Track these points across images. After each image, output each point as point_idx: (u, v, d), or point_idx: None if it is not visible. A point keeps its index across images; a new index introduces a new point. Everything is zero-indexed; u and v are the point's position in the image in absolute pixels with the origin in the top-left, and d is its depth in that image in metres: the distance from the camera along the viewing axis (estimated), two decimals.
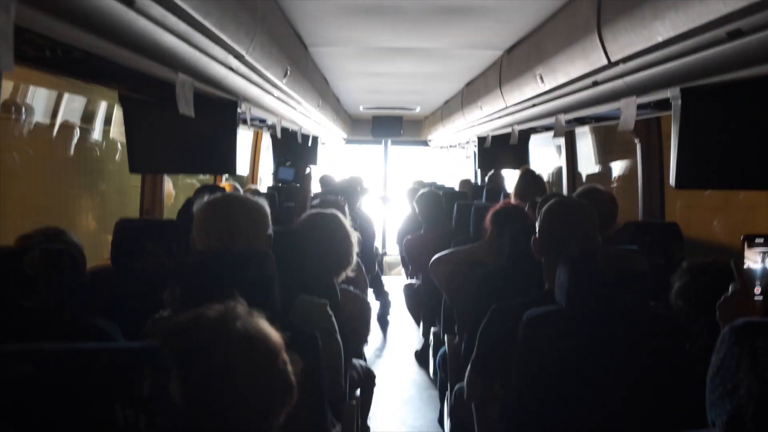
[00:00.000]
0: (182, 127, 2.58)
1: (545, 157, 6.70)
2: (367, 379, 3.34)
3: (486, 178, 7.08)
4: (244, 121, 3.37)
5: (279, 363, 1.14)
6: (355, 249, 2.75)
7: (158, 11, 1.44)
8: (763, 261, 1.61)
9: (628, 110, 2.32)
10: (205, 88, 2.23)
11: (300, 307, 2.07)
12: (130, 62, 1.64)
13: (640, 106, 2.45)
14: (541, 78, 2.94)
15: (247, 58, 2.20)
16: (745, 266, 1.61)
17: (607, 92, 2.42)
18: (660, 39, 1.76)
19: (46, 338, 1.30)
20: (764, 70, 1.57)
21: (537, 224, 2.30)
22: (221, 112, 2.59)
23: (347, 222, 2.77)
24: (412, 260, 5.08)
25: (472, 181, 8.32)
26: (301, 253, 2.46)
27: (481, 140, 5.95)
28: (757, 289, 1.60)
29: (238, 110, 2.62)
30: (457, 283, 3.40)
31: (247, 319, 1.15)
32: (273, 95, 3.14)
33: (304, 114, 4.52)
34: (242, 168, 6.77)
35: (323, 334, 2.06)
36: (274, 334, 1.17)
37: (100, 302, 2.26)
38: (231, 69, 2.22)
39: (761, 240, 1.60)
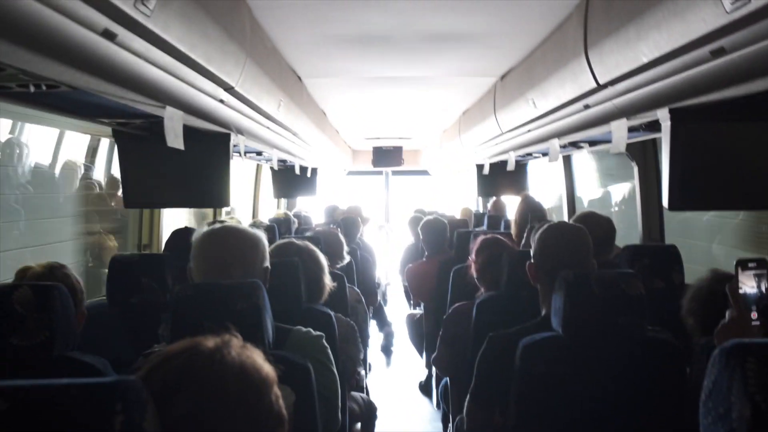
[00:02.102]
0: (176, 161, 2.59)
1: (548, 182, 6.70)
2: (369, 412, 3.30)
3: (487, 206, 7.09)
4: (239, 154, 3.38)
5: (272, 396, 1.12)
6: (326, 275, 2.81)
7: (141, 44, 1.44)
8: (757, 285, 1.59)
9: (618, 132, 2.32)
10: (195, 121, 2.23)
11: (296, 339, 2.05)
12: (115, 96, 1.65)
13: (631, 128, 2.46)
14: (534, 103, 2.95)
15: (237, 89, 2.21)
16: (741, 291, 1.59)
17: (599, 115, 2.42)
18: (645, 59, 1.76)
19: (34, 375, 1.28)
20: (749, 88, 1.57)
21: (532, 250, 2.28)
22: (214, 144, 2.59)
23: (314, 249, 2.84)
24: (414, 289, 5.05)
25: (474, 208, 8.32)
26: (294, 282, 2.45)
27: (480, 167, 5.96)
28: (754, 314, 1.58)
29: (231, 142, 2.63)
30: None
31: (241, 351, 1.13)
32: (267, 127, 3.15)
33: (301, 146, 4.53)
34: (245, 201, 6.79)
35: (318, 366, 2.04)
36: (267, 367, 1.15)
37: (95, 338, 2.25)
38: (221, 101, 2.22)
39: (754, 264, 1.59)
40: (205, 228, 2.02)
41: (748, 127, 1.94)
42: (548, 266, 2.17)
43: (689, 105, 1.89)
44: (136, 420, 0.79)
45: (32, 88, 1.49)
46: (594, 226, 2.68)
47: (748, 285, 1.59)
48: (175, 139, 1.97)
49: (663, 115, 1.96)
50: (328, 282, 2.79)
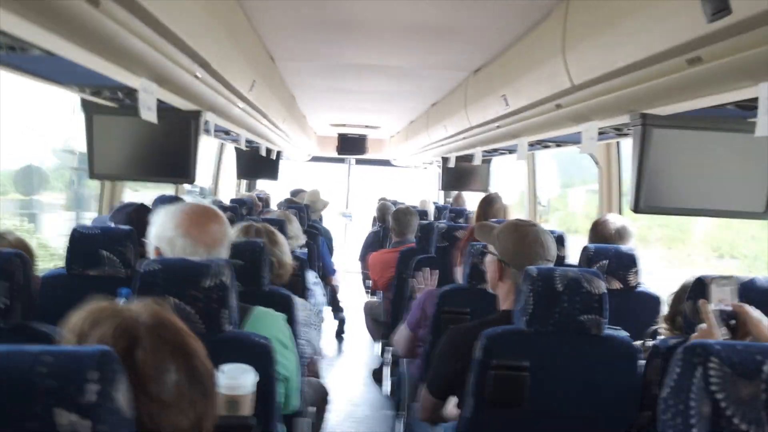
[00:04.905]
0: (144, 135, 2.55)
1: (508, 180, 6.78)
2: (322, 397, 3.30)
3: (448, 199, 7.15)
4: (208, 131, 3.33)
5: (201, 361, 1.08)
6: (288, 255, 2.85)
7: (124, 14, 1.41)
8: (728, 301, 1.63)
9: (588, 134, 2.36)
10: (168, 96, 2.20)
11: (256, 317, 2.05)
12: (92, 64, 1.61)
13: (601, 131, 2.50)
14: (506, 99, 2.97)
15: (213, 66, 2.18)
16: (712, 307, 1.63)
17: (570, 115, 2.46)
18: (622, 63, 1.80)
19: None
20: (723, 98, 1.61)
21: (495, 246, 2.31)
22: (185, 121, 2.55)
23: (275, 230, 2.88)
24: (375, 276, 5.08)
25: (434, 201, 8.37)
26: (257, 263, 2.45)
27: (445, 160, 5.99)
28: (724, 329, 1.62)
29: (202, 120, 2.59)
30: None
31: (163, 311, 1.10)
32: (238, 106, 3.11)
33: (269, 128, 4.50)
34: (204, 179, 6.72)
35: (278, 346, 2.04)
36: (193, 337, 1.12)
37: (51, 308, 2.21)
38: (196, 77, 2.19)
39: (725, 281, 1.63)
40: (177, 204, 1.99)
41: (718, 136, 1.99)
42: (519, 264, 2.20)
43: (661, 111, 1.93)
44: (111, 390, 0.78)
45: (4, 50, 1.45)
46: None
47: (718, 300, 1.63)
48: (148, 112, 1.94)
49: (634, 118, 2.00)
50: (289, 262, 2.80)
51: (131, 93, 2.20)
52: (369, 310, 5.82)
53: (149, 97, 1.93)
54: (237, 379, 1.61)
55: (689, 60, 1.55)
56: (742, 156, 2.03)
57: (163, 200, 3.82)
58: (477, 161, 4.80)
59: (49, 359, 0.77)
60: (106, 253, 2.53)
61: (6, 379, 0.75)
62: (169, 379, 1.00)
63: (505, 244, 2.26)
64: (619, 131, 2.51)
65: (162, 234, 1.93)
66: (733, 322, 1.60)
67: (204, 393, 1.04)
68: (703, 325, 1.64)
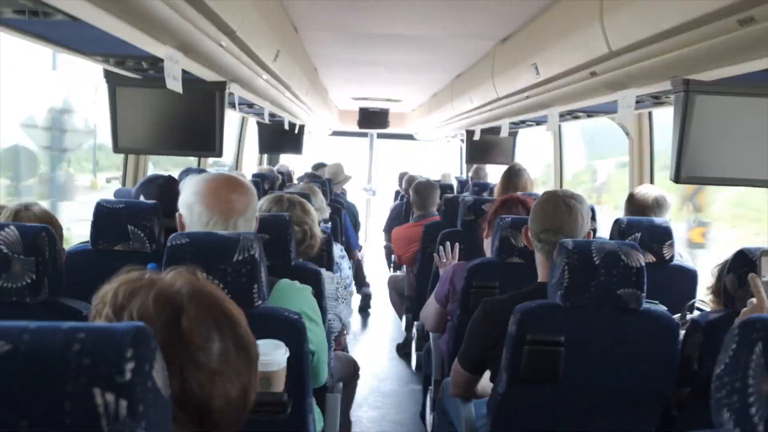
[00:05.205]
0: (169, 108, 2.51)
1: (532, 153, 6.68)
2: (351, 371, 3.29)
3: (470, 173, 7.07)
4: (232, 105, 3.29)
5: (244, 329, 1.04)
6: (317, 227, 2.81)
7: None
8: None
9: (626, 101, 2.28)
10: (194, 66, 2.15)
11: (281, 290, 2.01)
12: (118, 31, 1.57)
13: (637, 99, 2.41)
14: (537, 68, 2.89)
15: (238, 34, 2.13)
16: (764, 280, 1.57)
17: (606, 83, 2.37)
18: (666, 27, 1.71)
19: (20, 319, 1.22)
20: None
21: (530, 216, 2.26)
22: (210, 92, 2.51)
23: (306, 202, 2.84)
24: (399, 251, 5.04)
25: (458, 175, 8.31)
26: (285, 237, 2.41)
27: (470, 133, 5.90)
28: None
29: (227, 91, 2.55)
30: None
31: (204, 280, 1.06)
32: (262, 78, 3.06)
33: (292, 100, 4.45)
34: (226, 155, 6.69)
35: (305, 321, 2.00)
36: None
37: (77, 284, 2.19)
38: (221, 46, 2.14)
39: None
40: (201, 175, 1.96)
41: (764, 103, 1.91)
42: (537, 230, 2.17)
43: (705, 76, 1.85)
44: (146, 368, 0.74)
45: (28, 15, 1.41)
46: None
47: None
48: (173, 83, 1.89)
49: (677, 85, 1.92)
50: (318, 234, 2.77)
51: (155, 63, 2.15)
52: (393, 284, 5.80)
53: (175, 67, 1.88)
54: (269, 355, 1.58)
55: (740, 20, 1.47)
56: None
57: (190, 172, 3.79)
58: (504, 133, 4.72)
59: (83, 336, 0.73)
60: (131, 227, 2.50)
61: (40, 357, 0.72)
62: (215, 347, 0.96)
63: (536, 214, 2.22)
64: (657, 99, 2.43)
65: (184, 200, 1.91)
66: None
67: (249, 362, 1.01)
68: (754, 300, 1.58)
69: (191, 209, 1.88)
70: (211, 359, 0.95)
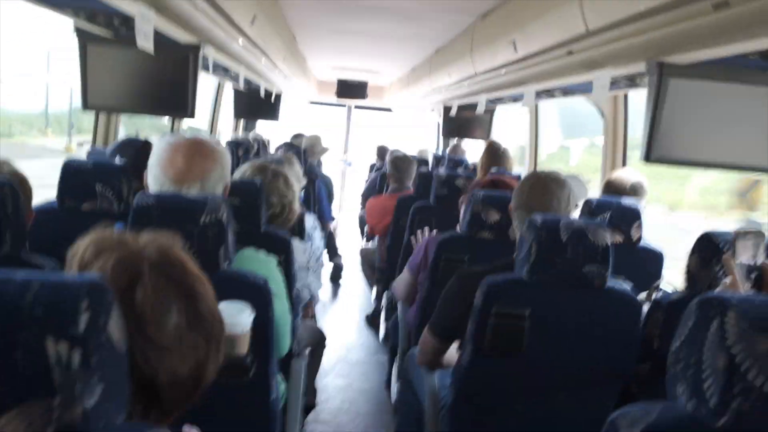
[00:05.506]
0: (142, 68, 2.47)
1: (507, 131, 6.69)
2: (317, 339, 3.30)
3: (447, 149, 7.08)
4: (206, 68, 3.24)
5: (207, 304, 1.01)
6: (297, 200, 2.79)
7: None
8: (753, 255, 1.60)
9: (601, 82, 2.29)
10: (167, 26, 2.11)
11: (243, 262, 1.98)
12: None
13: (612, 80, 2.42)
14: (515, 45, 2.89)
15: None
16: (737, 261, 1.60)
17: (582, 62, 2.38)
18: (642, 8, 1.72)
19: None
20: (749, 46, 1.54)
21: (513, 193, 2.29)
22: (183, 54, 2.46)
23: (288, 174, 2.79)
24: (372, 221, 5.05)
25: (434, 150, 8.31)
26: (255, 203, 2.39)
27: (447, 109, 5.89)
28: (747, 285, 1.60)
29: (201, 53, 2.50)
30: None
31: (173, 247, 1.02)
32: (238, 42, 3.02)
33: (269, 68, 4.39)
34: (202, 121, 6.61)
35: None
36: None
37: (42, 242, 2.16)
38: (195, 7, 2.10)
39: (751, 235, 1.60)
40: (166, 137, 1.92)
41: (736, 89, 1.92)
42: (516, 205, 2.20)
43: (679, 59, 1.86)
44: (101, 321, 0.73)
45: None
46: None
47: (744, 255, 1.60)
48: (144, 41, 1.86)
49: (651, 66, 1.93)
50: (297, 210, 2.76)
51: (127, 21, 2.11)
52: (365, 255, 5.82)
53: (146, 25, 1.84)
54: (234, 317, 1.58)
55: (715, 4, 1.48)
56: (759, 110, 1.96)
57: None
58: (480, 110, 4.72)
59: (37, 287, 0.72)
60: (99, 187, 2.47)
61: None
62: (169, 322, 0.93)
63: (519, 191, 2.25)
64: (632, 81, 2.44)
65: (149, 162, 1.87)
66: (754, 275, 1.58)
67: (207, 338, 0.98)
68: (728, 279, 1.61)
69: (150, 171, 1.85)
70: (163, 334, 0.93)
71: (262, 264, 2.03)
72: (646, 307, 2.08)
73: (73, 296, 0.72)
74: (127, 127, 4.26)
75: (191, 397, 0.98)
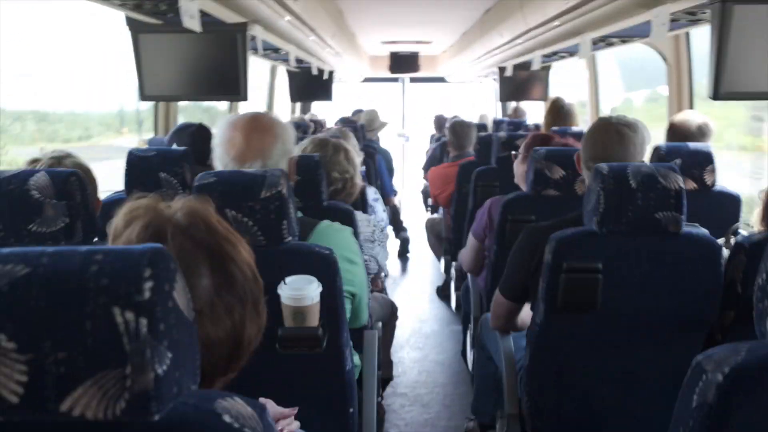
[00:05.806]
0: (192, 53, 2.49)
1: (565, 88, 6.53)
2: (390, 312, 3.30)
3: (507, 112, 6.96)
4: (255, 49, 3.25)
5: (240, 266, 0.98)
6: (358, 175, 2.78)
7: None
8: None
9: (659, 20, 2.18)
10: (211, 5, 2.11)
11: (321, 232, 1.98)
12: None
13: (672, 18, 2.31)
14: None
15: None
16: None
17: (637, 1, 2.27)
18: None
19: None
20: None
21: (581, 143, 2.21)
22: (231, 34, 2.48)
23: (350, 148, 2.79)
24: (435, 191, 5.01)
25: (493, 115, 8.18)
26: (315, 178, 2.40)
27: (502, 70, 5.77)
28: None
29: (248, 33, 2.51)
30: None
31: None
32: (285, 19, 3.01)
33: (317, 44, 4.38)
34: (259, 108, 6.68)
35: (344, 261, 1.98)
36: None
37: None
38: None
39: None
40: (228, 117, 1.94)
41: None
42: (586, 158, 2.11)
43: None
44: (165, 287, 0.73)
45: None
46: None
47: None
48: (190, 20, 1.87)
49: None
50: (359, 184, 2.75)
51: (173, 5, 2.12)
52: (431, 227, 5.78)
53: (191, 5, 1.85)
54: (301, 290, 1.58)
55: None
56: None
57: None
58: (536, 66, 4.60)
59: (100, 258, 0.73)
60: (164, 174, 2.51)
61: (59, 279, 0.72)
62: (198, 285, 0.91)
63: (591, 141, 2.15)
64: (693, 16, 2.32)
65: (212, 144, 1.91)
66: None
67: (242, 300, 0.95)
68: None
69: (215, 153, 1.88)
70: (193, 296, 0.88)
71: (340, 233, 2.03)
72: (726, 254, 1.99)
73: (136, 265, 0.72)
74: (186, 117, 4.35)
75: (234, 362, 0.97)
